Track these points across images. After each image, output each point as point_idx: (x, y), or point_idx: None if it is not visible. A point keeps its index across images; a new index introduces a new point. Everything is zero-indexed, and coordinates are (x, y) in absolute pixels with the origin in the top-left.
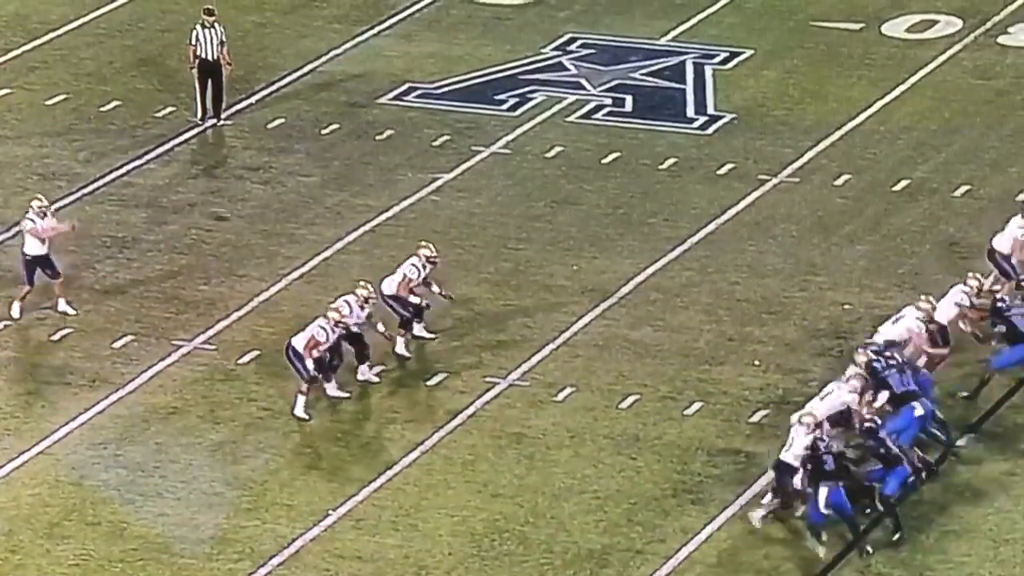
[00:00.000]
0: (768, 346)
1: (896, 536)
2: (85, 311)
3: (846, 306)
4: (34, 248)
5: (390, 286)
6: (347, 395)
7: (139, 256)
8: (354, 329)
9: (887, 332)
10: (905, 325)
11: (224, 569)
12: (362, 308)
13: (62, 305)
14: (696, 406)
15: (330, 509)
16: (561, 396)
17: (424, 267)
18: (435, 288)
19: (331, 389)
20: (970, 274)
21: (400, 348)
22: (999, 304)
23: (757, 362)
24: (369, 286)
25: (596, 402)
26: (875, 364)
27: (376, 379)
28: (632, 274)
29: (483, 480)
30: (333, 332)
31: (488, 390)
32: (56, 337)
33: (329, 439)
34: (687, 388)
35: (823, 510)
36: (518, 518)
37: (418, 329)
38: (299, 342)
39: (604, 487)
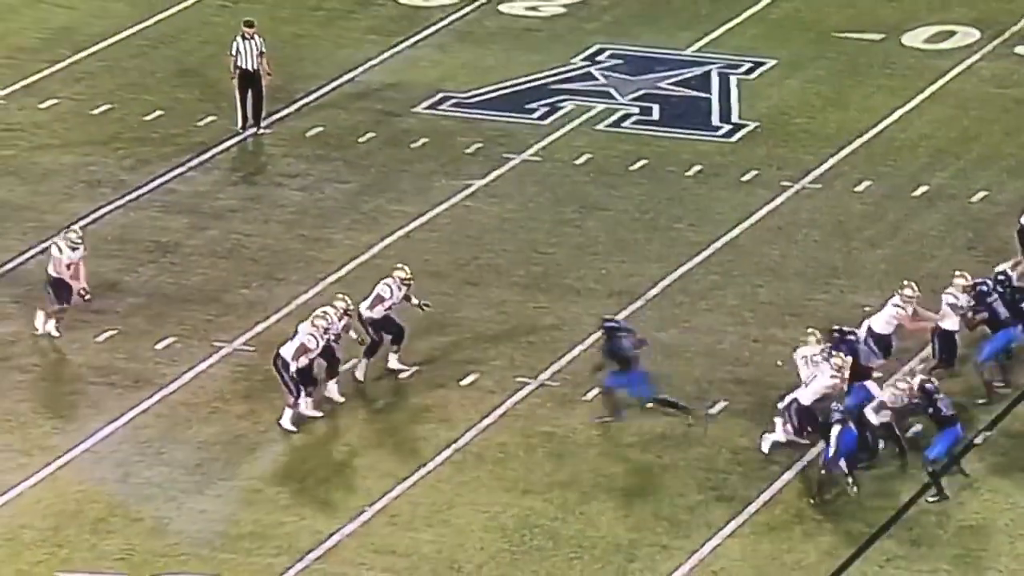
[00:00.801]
0: (791, 347)
1: (935, 498)
2: (128, 314)
3: (866, 308)
4: (55, 271)
5: (367, 307)
6: (320, 415)
7: (181, 260)
8: (332, 342)
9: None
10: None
11: (263, 564)
12: (340, 320)
13: (50, 325)
14: (721, 405)
15: (366, 505)
16: (590, 396)
17: (399, 288)
18: (413, 301)
19: (305, 407)
20: (905, 282)
21: (359, 373)
22: (982, 288)
23: (780, 362)
24: (347, 298)
25: (624, 401)
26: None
27: (340, 398)
28: (659, 277)
29: (514, 477)
30: (322, 339)
31: (519, 390)
32: (100, 339)
33: (364, 438)
34: (712, 388)
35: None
36: (548, 514)
37: (393, 361)
38: (288, 351)
39: (631, 484)
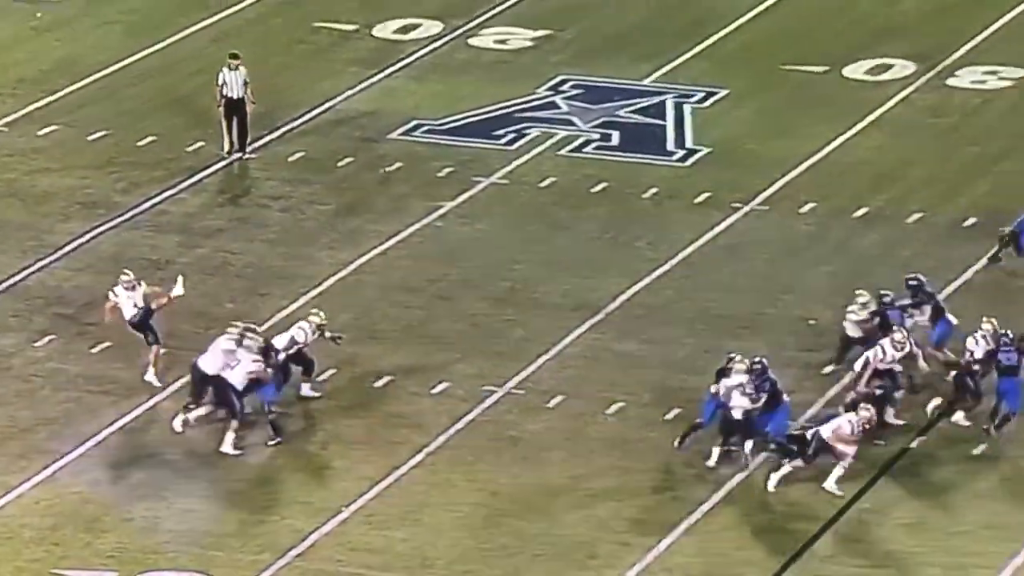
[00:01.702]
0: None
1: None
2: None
3: (811, 322)
4: (128, 312)
5: (280, 343)
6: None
7: (172, 277)
8: (305, 351)
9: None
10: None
11: (247, 560)
12: (314, 334)
13: (149, 374)
14: (676, 412)
15: (344, 505)
16: (553, 403)
17: (312, 333)
18: (327, 335)
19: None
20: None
21: (306, 391)
22: (884, 297)
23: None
24: (322, 313)
25: (585, 408)
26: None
27: (317, 394)
28: (618, 292)
29: (483, 479)
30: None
31: (487, 398)
32: (96, 350)
33: (341, 443)
34: (668, 396)
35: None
36: (515, 514)
37: (305, 389)
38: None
39: (593, 485)
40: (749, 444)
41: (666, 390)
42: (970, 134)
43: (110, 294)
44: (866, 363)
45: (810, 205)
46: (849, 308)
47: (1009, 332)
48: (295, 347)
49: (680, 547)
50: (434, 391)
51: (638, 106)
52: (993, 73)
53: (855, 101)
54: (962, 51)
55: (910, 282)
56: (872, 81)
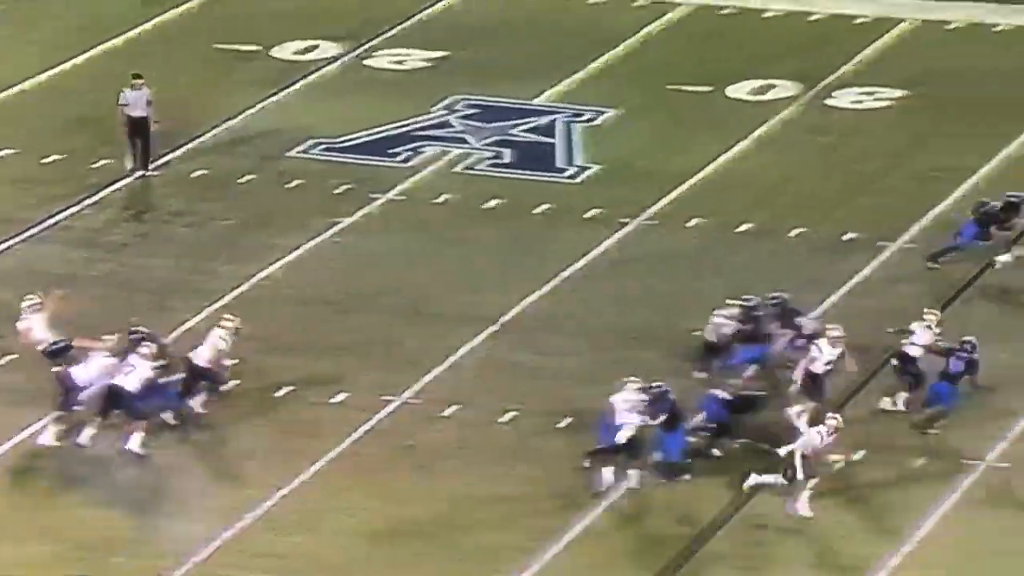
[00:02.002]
0: (632, 367)
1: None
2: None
3: (695, 332)
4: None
5: (203, 357)
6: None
7: (77, 291)
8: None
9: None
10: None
11: (149, 566)
12: (232, 338)
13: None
14: (567, 421)
15: (245, 512)
16: (448, 412)
17: (232, 338)
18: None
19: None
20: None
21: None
22: (750, 302)
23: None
24: (233, 317)
25: (480, 417)
26: None
27: (205, 410)
28: (512, 305)
29: (381, 486)
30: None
31: (385, 407)
32: (2, 362)
33: (243, 451)
34: (560, 405)
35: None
36: (411, 520)
37: (195, 402)
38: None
39: (488, 492)
40: (635, 473)
41: (558, 400)
42: (849, 152)
43: (21, 319)
44: (809, 363)
45: (696, 220)
46: (715, 314)
47: (973, 340)
48: (221, 356)
49: (572, 553)
50: (333, 401)
51: (530, 125)
52: (871, 94)
53: (739, 120)
54: (841, 72)
55: (773, 301)
56: (755, 101)
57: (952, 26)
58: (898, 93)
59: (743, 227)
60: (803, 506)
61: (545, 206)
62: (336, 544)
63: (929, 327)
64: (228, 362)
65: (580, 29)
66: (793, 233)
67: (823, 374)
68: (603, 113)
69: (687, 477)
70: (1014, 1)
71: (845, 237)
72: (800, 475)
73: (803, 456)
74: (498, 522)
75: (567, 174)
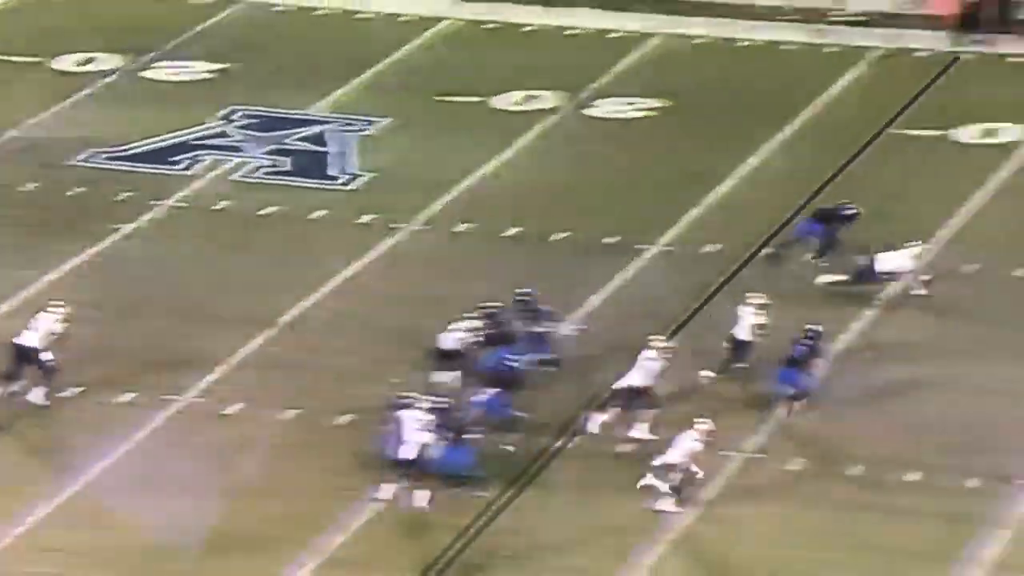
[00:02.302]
0: (404, 364)
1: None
2: None
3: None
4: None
5: (35, 341)
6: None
7: None
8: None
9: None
10: None
11: None
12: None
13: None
14: (347, 417)
15: (35, 509)
16: (231, 410)
17: (65, 321)
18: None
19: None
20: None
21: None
22: (491, 309)
23: (395, 379)
24: (57, 300)
25: (262, 415)
26: None
27: (47, 402)
28: (291, 306)
29: (164, 482)
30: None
31: (168, 405)
32: None
33: (32, 450)
34: (339, 403)
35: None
36: (193, 513)
37: (35, 395)
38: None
39: (269, 486)
40: (420, 490)
41: (337, 397)
42: (608, 159)
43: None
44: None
45: (464, 225)
46: (453, 328)
47: (819, 328)
48: (54, 336)
49: (347, 543)
50: (118, 401)
51: (305, 134)
52: (629, 104)
53: (504, 129)
54: (599, 84)
55: (520, 297)
56: (518, 111)
57: (698, 41)
58: (654, 103)
59: (508, 232)
60: (666, 505)
61: (321, 212)
62: (124, 538)
63: (754, 310)
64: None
65: (352, 43)
66: (557, 237)
67: (749, 341)
68: (375, 123)
69: (483, 493)
70: (755, 18)
71: (605, 241)
72: (674, 480)
73: (678, 463)
74: (278, 516)
75: (341, 181)
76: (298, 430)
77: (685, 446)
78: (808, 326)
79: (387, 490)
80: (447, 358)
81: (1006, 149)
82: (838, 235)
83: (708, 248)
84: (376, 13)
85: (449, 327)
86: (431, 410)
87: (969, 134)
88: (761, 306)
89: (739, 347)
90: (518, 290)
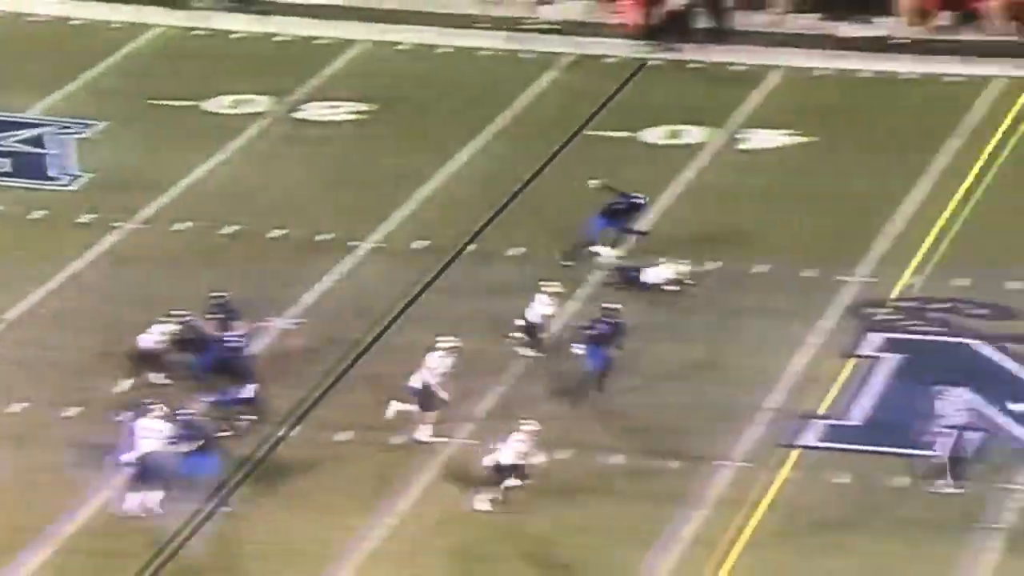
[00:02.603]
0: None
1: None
2: None
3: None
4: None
5: None
6: None
7: None
8: None
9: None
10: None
11: None
12: None
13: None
14: (74, 411)
15: None
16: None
17: None
18: None
19: None
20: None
21: None
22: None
23: (124, 380)
24: None
25: None
26: None
27: None
28: (16, 303)
29: None
30: None
31: None
32: None
33: None
34: (67, 396)
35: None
36: None
37: None
38: None
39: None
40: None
41: (66, 391)
42: (319, 160)
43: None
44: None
45: (182, 224)
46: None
47: (617, 307)
48: None
49: (71, 543)
50: None
51: (24, 136)
52: (336, 107)
53: (217, 132)
54: (307, 88)
55: (215, 300)
56: (232, 114)
57: (401, 47)
58: (361, 107)
59: (225, 230)
60: (482, 502)
61: (42, 212)
62: None
63: (547, 297)
64: None
65: (66, 48)
66: (272, 235)
67: (539, 323)
68: (92, 125)
69: (228, 509)
70: (454, 26)
71: (318, 238)
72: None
73: (513, 464)
74: (10, 505)
75: (61, 182)
76: (25, 423)
77: (514, 448)
78: (606, 305)
79: (132, 501)
80: (146, 360)
81: (691, 149)
82: (628, 224)
83: (416, 244)
84: (89, 20)
85: (148, 329)
86: (169, 417)
87: (656, 135)
88: (554, 294)
89: (530, 329)
90: (213, 292)
